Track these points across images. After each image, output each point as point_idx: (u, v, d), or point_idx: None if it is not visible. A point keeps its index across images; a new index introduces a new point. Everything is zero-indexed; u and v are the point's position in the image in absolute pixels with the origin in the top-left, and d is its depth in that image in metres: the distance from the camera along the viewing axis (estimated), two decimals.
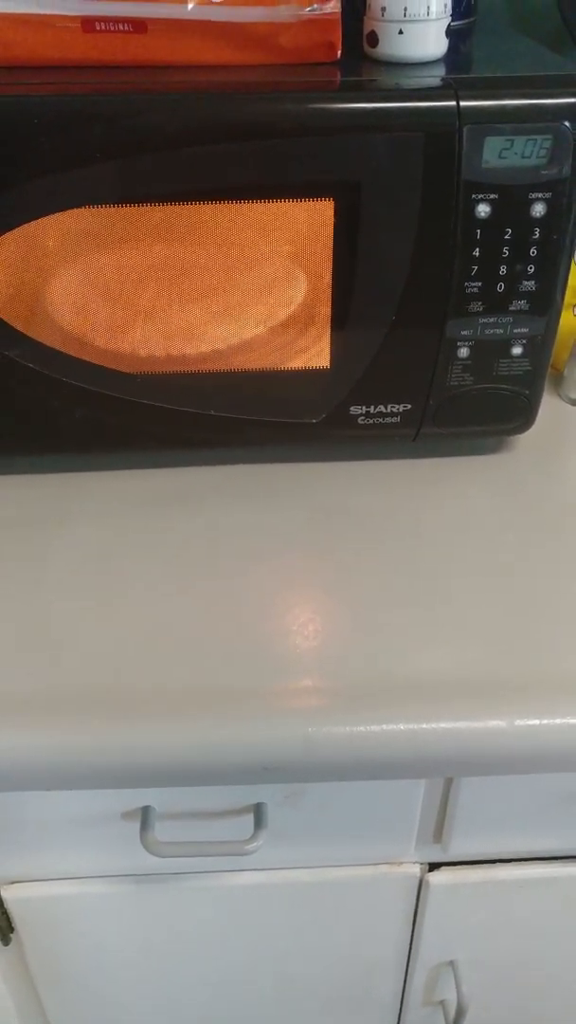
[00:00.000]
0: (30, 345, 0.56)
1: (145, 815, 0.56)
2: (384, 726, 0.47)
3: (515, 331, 0.58)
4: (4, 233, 0.52)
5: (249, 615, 0.53)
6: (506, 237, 0.54)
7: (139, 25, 0.52)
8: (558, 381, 0.73)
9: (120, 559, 0.57)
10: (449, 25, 0.54)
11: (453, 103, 0.50)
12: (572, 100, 0.50)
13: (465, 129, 0.50)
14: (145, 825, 0.55)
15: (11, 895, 0.63)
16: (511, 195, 0.52)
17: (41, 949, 0.68)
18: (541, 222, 0.54)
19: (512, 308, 0.57)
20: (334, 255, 0.54)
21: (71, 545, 0.58)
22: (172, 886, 0.63)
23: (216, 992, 0.73)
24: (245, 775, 0.47)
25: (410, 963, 0.72)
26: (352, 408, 0.61)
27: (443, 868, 0.64)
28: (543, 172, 0.52)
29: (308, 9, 0.52)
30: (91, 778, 0.47)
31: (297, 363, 0.58)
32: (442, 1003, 0.75)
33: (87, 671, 0.49)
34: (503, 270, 0.55)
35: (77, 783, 0.48)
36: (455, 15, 0.62)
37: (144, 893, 0.63)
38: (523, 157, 0.51)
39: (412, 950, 0.70)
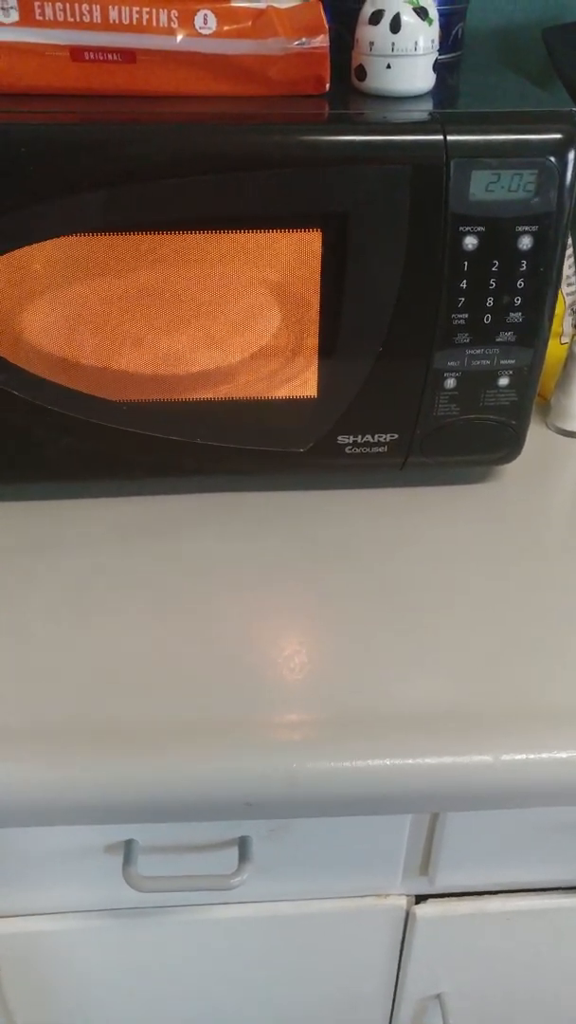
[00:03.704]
0: (15, 372, 0.56)
1: (128, 849, 0.55)
2: (369, 761, 0.46)
3: (502, 362, 0.58)
4: None
5: (233, 646, 0.52)
6: (493, 269, 0.54)
7: (128, 55, 0.52)
8: (545, 410, 0.73)
9: (104, 588, 0.56)
10: (436, 59, 0.54)
11: (440, 137, 0.50)
12: (557, 136, 0.51)
13: (452, 163, 0.51)
14: (128, 859, 0.55)
15: None
16: (498, 228, 0.53)
17: (22, 986, 0.66)
18: (528, 255, 0.54)
19: (499, 340, 0.57)
20: (321, 285, 0.54)
21: (54, 574, 0.57)
22: (156, 920, 0.62)
23: None
24: (227, 811, 0.47)
25: (396, 996, 0.71)
26: (339, 438, 0.60)
27: (430, 900, 0.63)
28: (529, 206, 0.52)
29: (296, 43, 0.52)
30: (68, 814, 0.47)
31: (284, 392, 0.58)
32: None
33: (68, 703, 0.49)
34: (490, 302, 0.55)
35: (54, 819, 0.47)
36: (442, 49, 0.62)
37: (128, 927, 0.62)
38: (509, 191, 0.52)
39: (399, 983, 0.69)
